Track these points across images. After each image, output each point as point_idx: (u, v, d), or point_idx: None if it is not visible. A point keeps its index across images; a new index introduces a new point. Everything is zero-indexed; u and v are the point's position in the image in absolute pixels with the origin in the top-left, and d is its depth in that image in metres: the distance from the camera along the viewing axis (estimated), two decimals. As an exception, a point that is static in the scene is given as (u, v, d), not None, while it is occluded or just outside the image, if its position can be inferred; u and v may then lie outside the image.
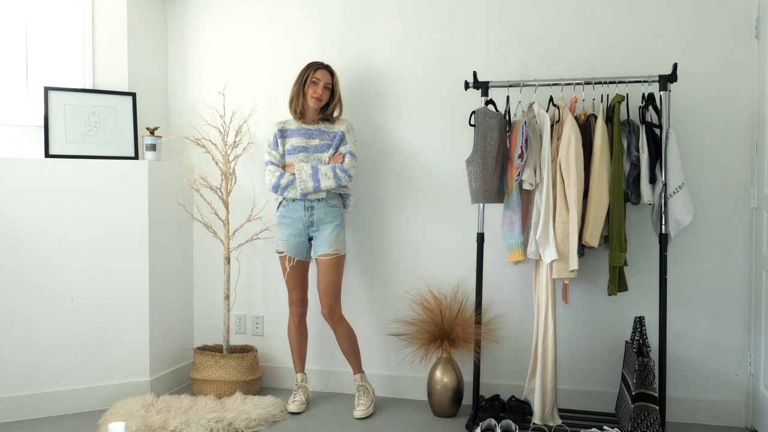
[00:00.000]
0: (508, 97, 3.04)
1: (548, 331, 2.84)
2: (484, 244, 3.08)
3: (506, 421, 2.69)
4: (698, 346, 3.04)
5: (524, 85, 2.97)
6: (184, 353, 3.64)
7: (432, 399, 3.12)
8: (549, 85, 2.95)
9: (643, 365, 2.64)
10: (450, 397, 3.08)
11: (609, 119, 2.85)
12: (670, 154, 2.77)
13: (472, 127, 2.99)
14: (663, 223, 2.79)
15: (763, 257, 2.83)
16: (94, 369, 3.20)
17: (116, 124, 3.36)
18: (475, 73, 3.03)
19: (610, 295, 2.84)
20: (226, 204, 3.41)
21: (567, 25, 3.16)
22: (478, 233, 3.05)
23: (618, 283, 2.84)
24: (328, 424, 3.01)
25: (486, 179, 2.83)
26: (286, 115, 3.34)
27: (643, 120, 2.81)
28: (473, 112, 2.88)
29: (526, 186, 2.86)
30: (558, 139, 2.82)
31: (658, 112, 2.81)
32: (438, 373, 3.10)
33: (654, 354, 2.90)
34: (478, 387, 3.05)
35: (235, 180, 3.46)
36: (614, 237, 2.79)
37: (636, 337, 2.82)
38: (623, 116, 2.96)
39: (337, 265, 3.11)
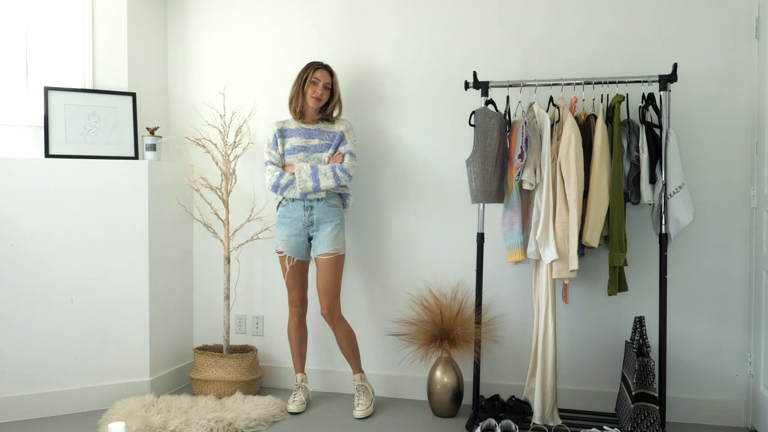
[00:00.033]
0: (508, 97, 3.04)
1: (548, 331, 2.84)
2: (484, 244, 3.08)
3: (506, 421, 2.69)
4: (698, 346, 3.04)
5: (524, 85, 2.97)
6: (184, 353, 3.64)
7: (432, 399, 3.12)
8: (549, 85, 2.95)
9: (643, 365, 2.64)
10: (450, 397, 3.08)
11: (609, 119, 2.84)
12: (670, 154, 2.77)
13: (472, 127, 2.99)
14: (663, 223, 2.79)
15: (763, 257, 2.83)
16: (94, 369, 3.20)
17: (116, 124, 3.36)
18: (475, 73, 3.03)
19: (610, 295, 2.84)
20: (226, 204, 3.41)
21: (567, 25, 3.16)
22: (478, 233, 3.05)
23: (618, 283, 2.84)
24: (328, 424, 3.01)
25: (486, 179, 2.83)
26: (286, 115, 3.34)
27: (643, 120, 2.81)
28: (473, 112, 2.88)
29: (526, 186, 2.86)
30: (558, 139, 2.81)
31: (658, 112, 2.81)
32: (438, 373, 3.10)
33: (654, 354, 2.90)
34: (478, 387, 3.05)
35: (235, 180, 3.46)
36: (614, 237, 2.79)
37: (636, 337, 2.81)
38: (623, 116, 2.96)
39: (336, 264, 3.11)
